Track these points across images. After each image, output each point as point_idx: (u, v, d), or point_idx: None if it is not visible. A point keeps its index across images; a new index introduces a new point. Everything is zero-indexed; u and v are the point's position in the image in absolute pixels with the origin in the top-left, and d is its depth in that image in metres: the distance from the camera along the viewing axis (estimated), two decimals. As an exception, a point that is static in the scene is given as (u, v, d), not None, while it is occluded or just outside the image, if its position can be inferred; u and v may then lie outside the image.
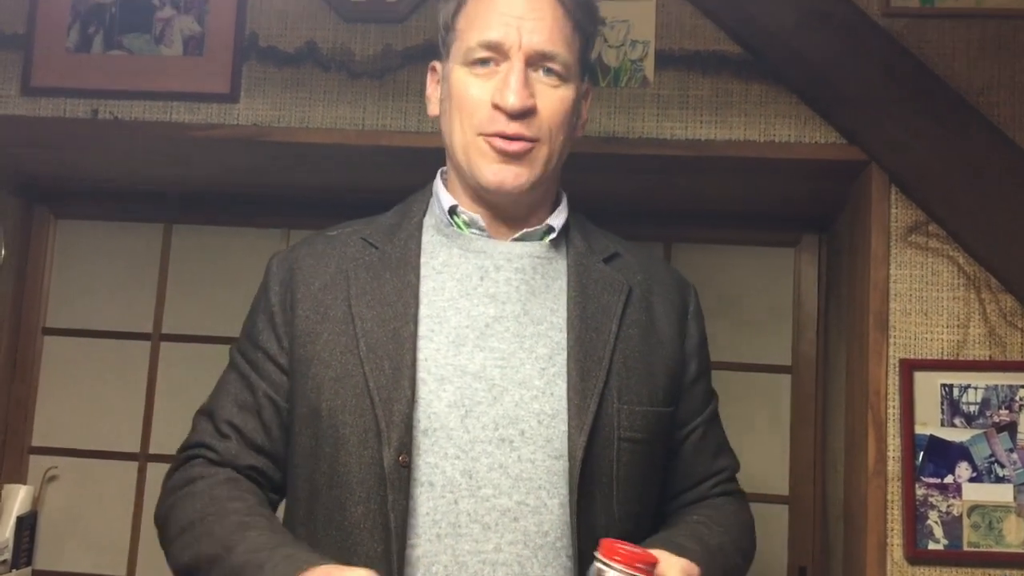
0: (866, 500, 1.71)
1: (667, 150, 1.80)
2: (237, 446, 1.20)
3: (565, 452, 1.08)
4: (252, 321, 1.26)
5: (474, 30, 1.15)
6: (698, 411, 1.26)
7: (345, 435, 1.10)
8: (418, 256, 1.18)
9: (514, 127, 1.12)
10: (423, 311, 1.15)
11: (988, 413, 1.71)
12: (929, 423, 1.71)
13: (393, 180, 2.03)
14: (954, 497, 1.70)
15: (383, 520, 1.05)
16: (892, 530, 1.70)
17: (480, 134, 1.14)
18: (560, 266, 1.19)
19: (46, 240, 2.35)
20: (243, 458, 1.20)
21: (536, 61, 1.14)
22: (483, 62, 1.15)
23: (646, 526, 1.17)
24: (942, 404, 1.72)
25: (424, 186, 1.30)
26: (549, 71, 1.15)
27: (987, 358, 1.72)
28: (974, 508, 1.70)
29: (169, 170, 2.10)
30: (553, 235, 1.20)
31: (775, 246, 2.22)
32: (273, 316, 1.22)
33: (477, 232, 1.20)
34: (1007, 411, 1.71)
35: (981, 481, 1.70)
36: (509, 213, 1.20)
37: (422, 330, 1.13)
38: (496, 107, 1.13)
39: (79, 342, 2.32)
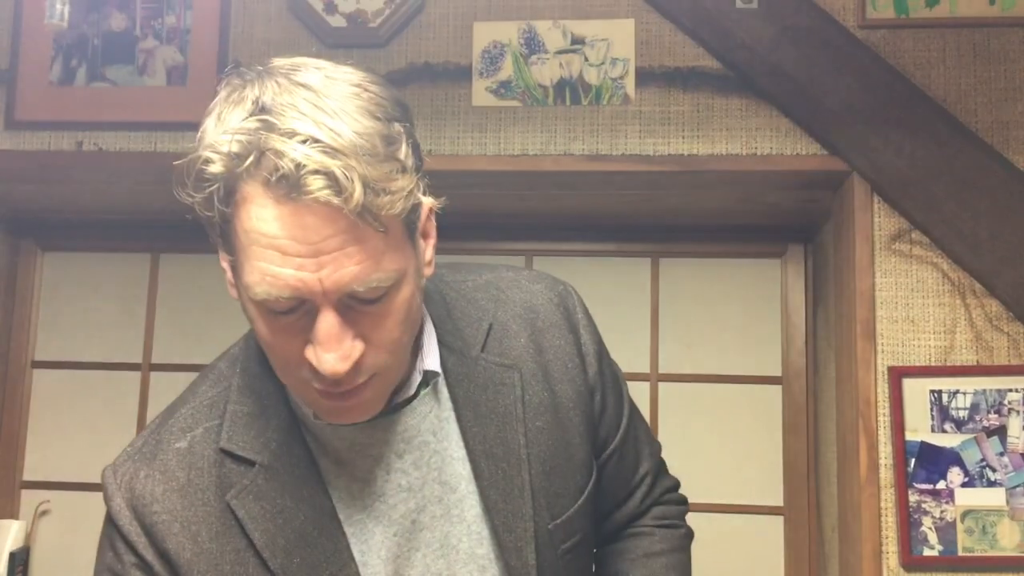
0: (860, 509, 1.72)
1: (651, 166, 1.81)
2: None
3: None
4: None
5: (256, 274, 0.81)
6: (614, 431, 1.13)
7: None
8: (315, 468, 0.95)
9: (343, 387, 0.86)
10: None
11: (978, 418, 1.72)
12: (919, 430, 1.72)
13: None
14: (947, 503, 1.71)
15: None
16: (887, 538, 1.71)
17: (304, 384, 0.88)
18: (449, 406, 1.01)
19: (33, 273, 2.35)
20: None
21: (350, 297, 0.83)
22: (280, 312, 0.84)
23: None
24: (932, 410, 1.73)
25: (257, 345, 0.97)
26: (369, 300, 0.84)
27: (975, 363, 1.73)
28: (967, 513, 1.71)
29: (155, 200, 2.10)
30: (436, 378, 1.00)
31: (761, 258, 2.24)
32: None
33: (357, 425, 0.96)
34: (996, 415, 1.72)
35: (973, 486, 1.71)
36: None
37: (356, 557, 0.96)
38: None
39: (69, 374, 2.31)
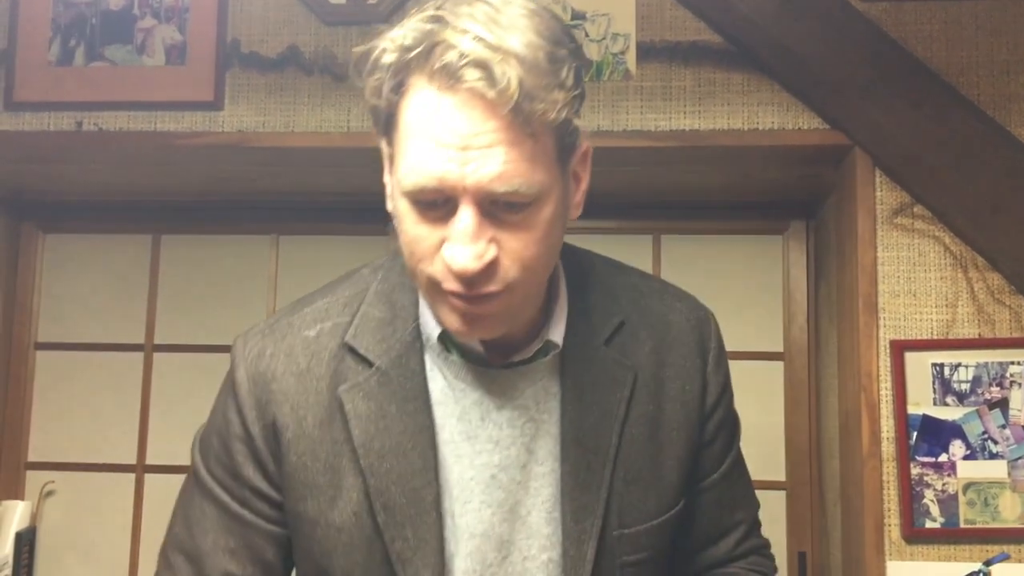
0: (862, 482, 1.73)
1: (652, 141, 1.81)
2: None
3: None
4: (224, 445, 1.03)
5: (407, 164, 0.87)
6: (716, 466, 1.11)
7: None
8: (425, 385, 0.99)
9: (473, 289, 0.88)
10: None
11: (979, 391, 1.73)
12: (921, 403, 1.73)
13: (379, 183, 2.04)
14: (949, 475, 1.71)
15: None
16: (889, 510, 1.72)
17: (435, 285, 0.91)
18: (559, 382, 1.03)
19: (34, 255, 2.35)
20: None
21: (492, 199, 0.86)
22: (426, 204, 0.88)
23: None
24: (934, 384, 1.73)
25: (402, 259, 1.00)
26: (510, 206, 0.86)
27: (976, 336, 1.74)
28: (969, 485, 1.71)
29: (155, 180, 2.10)
30: (556, 351, 1.01)
31: (763, 234, 2.24)
32: (257, 452, 1.01)
33: (472, 361, 1.00)
34: (998, 388, 1.72)
35: (975, 458, 1.72)
36: (501, 336, 0.99)
37: None
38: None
39: (72, 356, 2.31)
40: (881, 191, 1.77)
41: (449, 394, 1.00)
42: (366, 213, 2.14)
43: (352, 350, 1.00)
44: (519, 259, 0.89)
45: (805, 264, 2.21)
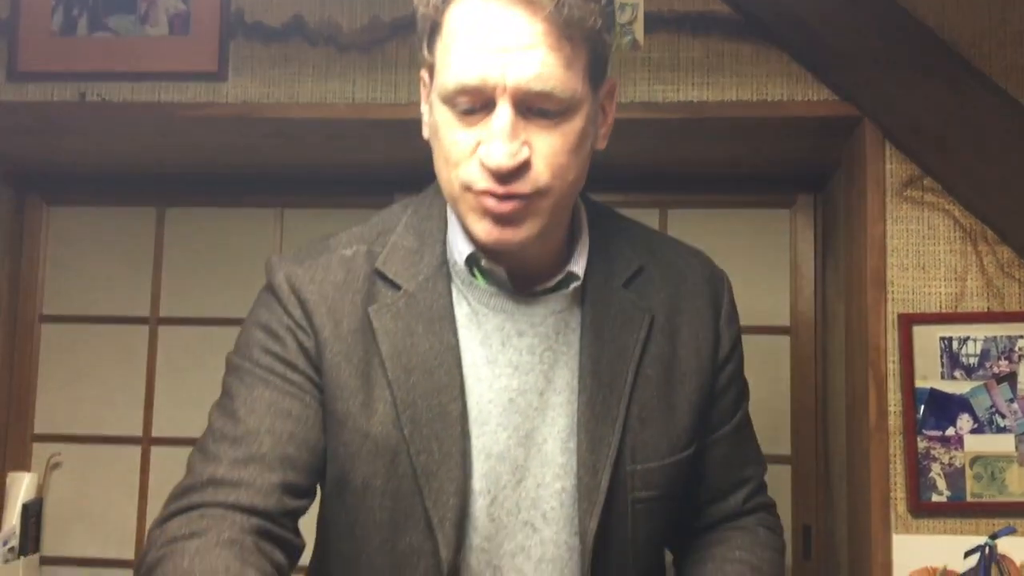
0: (869, 455, 1.72)
1: (660, 113, 1.79)
2: (261, 472, 0.99)
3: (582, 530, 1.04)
4: (271, 335, 1.04)
5: (449, 67, 0.93)
6: (726, 419, 1.15)
7: (377, 517, 1.02)
8: (451, 308, 1.03)
9: (505, 187, 0.94)
10: None
11: (988, 364, 1.72)
12: (929, 377, 1.72)
13: (384, 154, 2.03)
14: (956, 449, 1.71)
15: None
16: (895, 484, 1.71)
17: (468, 189, 0.96)
18: (578, 316, 1.07)
19: (39, 228, 2.34)
20: (270, 497, 0.98)
21: (527, 102, 0.93)
22: (464, 107, 0.94)
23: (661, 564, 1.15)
24: (942, 357, 1.72)
25: (432, 193, 1.11)
26: (544, 112, 0.93)
27: (985, 310, 1.72)
28: (976, 459, 1.71)
29: (159, 152, 2.09)
30: (577, 283, 1.06)
31: (771, 208, 2.22)
32: (302, 343, 1.03)
33: (496, 287, 1.04)
34: (1007, 362, 1.71)
35: (982, 432, 1.71)
36: (525, 264, 1.04)
37: None
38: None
39: (77, 328, 2.31)
40: (891, 163, 1.76)
41: (472, 319, 1.04)
42: (370, 186, 2.14)
43: (382, 275, 1.05)
44: (550, 165, 0.95)
45: (813, 238, 2.20)
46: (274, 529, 0.98)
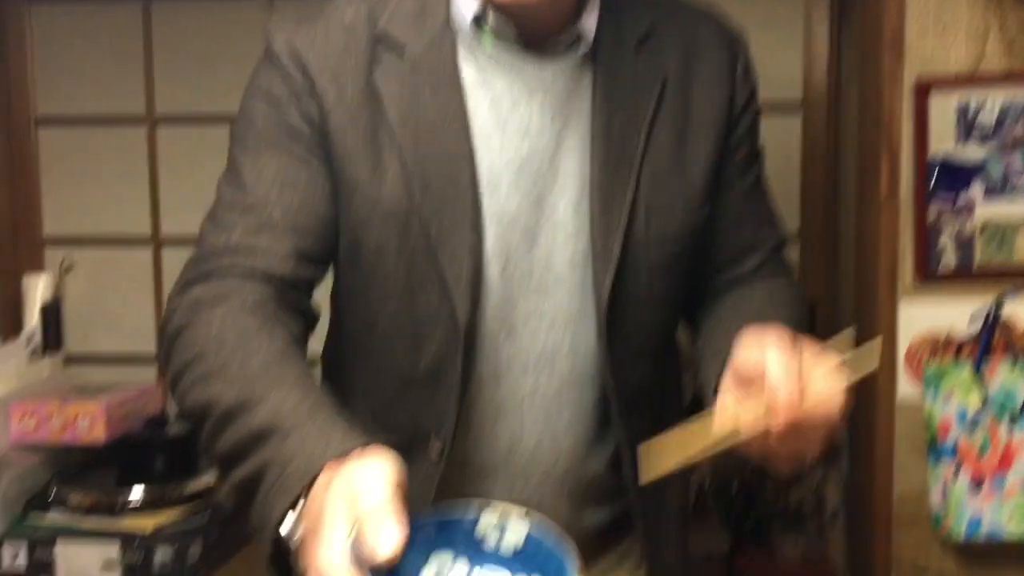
0: (879, 225, 1.71)
1: None
2: (275, 239, 0.99)
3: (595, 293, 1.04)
4: (272, 103, 1.02)
5: None
6: (740, 175, 1.13)
7: (392, 281, 1.03)
8: (458, 71, 1.01)
9: None
10: None
11: (1004, 130, 1.67)
12: (944, 144, 1.68)
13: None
14: (967, 216, 1.69)
15: (438, 372, 1.03)
16: (904, 252, 1.71)
17: None
18: (590, 79, 1.05)
19: (23, 27, 2.26)
20: (286, 264, 0.99)
21: None
22: None
23: (674, 331, 1.15)
24: (957, 125, 1.68)
25: None
26: None
27: (1005, 71, 1.66)
28: (986, 226, 1.69)
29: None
30: (588, 47, 1.04)
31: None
32: (306, 107, 1.01)
33: (504, 46, 1.02)
34: (1023, 127, 1.67)
35: (994, 199, 1.69)
36: (536, 23, 1.02)
37: None
38: None
39: (75, 132, 2.28)
40: (914, -84, 1.65)
41: (481, 81, 1.02)
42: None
43: (385, 37, 1.02)
44: None
45: (829, 4, 2.10)
46: (291, 295, 0.99)
